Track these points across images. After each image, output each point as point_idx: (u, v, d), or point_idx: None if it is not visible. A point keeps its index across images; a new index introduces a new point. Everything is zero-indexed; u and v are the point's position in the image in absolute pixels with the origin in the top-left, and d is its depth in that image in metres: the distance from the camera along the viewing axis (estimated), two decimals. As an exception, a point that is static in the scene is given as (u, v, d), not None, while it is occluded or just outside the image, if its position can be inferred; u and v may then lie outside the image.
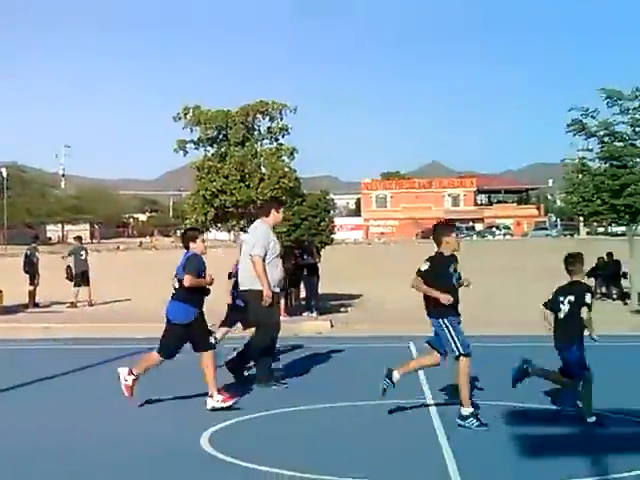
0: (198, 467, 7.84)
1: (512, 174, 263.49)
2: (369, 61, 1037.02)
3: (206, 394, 10.32)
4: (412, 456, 8.16)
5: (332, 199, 31.66)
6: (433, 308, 9.27)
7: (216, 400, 10.17)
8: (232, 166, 19.46)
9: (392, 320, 20.31)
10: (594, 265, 29.72)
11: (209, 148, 20.50)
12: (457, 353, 9.11)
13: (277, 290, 11.69)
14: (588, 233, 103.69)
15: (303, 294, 23.76)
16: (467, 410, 9.09)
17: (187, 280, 10.22)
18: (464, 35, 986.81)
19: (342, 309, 24.53)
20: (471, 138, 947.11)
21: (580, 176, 25.27)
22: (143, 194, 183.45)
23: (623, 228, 33.70)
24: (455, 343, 9.11)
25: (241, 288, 11.96)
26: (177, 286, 10.41)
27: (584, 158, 25.40)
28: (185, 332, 10.36)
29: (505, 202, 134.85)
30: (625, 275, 27.29)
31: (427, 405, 10.34)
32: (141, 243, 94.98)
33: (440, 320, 9.20)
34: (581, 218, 38.47)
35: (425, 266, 9.29)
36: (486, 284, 24.89)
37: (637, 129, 24.23)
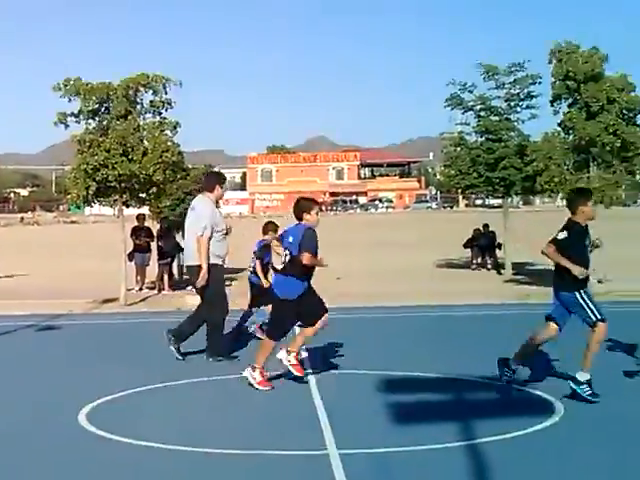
0: (73, 444, 7.72)
1: (395, 148, 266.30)
2: (257, 36, 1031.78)
3: (92, 368, 10.25)
4: (290, 424, 8.39)
5: (217, 173, 31.63)
6: (566, 281, 8.89)
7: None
8: (114, 140, 19.29)
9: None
10: (471, 236, 30.70)
11: (90, 121, 20.27)
12: (594, 319, 8.82)
13: (224, 264, 11.80)
14: (467, 205, 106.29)
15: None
16: (585, 376, 8.79)
17: (307, 259, 9.67)
18: (348, 10, 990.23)
19: (227, 282, 24.60)
20: (356, 113, 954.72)
21: (458, 149, 26.05)
22: (25, 168, 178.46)
23: (499, 201, 34.78)
24: (592, 311, 8.82)
25: (187, 263, 12.08)
26: (288, 260, 9.88)
27: (462, 132, 26.19)
28: (295, 306, 9.86)
29: (387, 175, 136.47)
30: (500, 246, 28.23)
31: (306, 381, 10.42)
32: (22, 218, 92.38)
33: (575, 294, 8.86)
34: (459, 191, 39.52)
35: (562, 235, 8.84)
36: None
37: (512, 103, 25.13)
